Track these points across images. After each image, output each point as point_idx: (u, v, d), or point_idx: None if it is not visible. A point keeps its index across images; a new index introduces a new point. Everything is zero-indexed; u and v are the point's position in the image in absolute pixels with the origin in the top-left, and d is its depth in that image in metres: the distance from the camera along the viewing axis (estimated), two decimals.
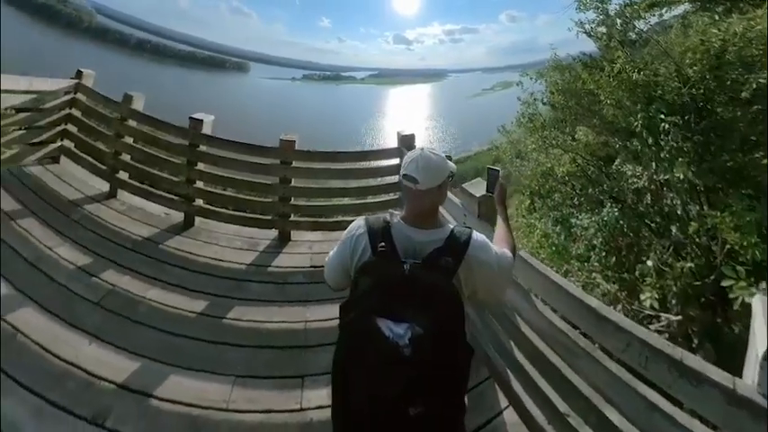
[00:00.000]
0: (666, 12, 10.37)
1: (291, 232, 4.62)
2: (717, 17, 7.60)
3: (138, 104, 5.03)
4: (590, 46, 10.67)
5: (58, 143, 5.42)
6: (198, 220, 4.66)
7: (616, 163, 8.07)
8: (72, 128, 5.38)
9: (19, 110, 5.00)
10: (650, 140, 6.31)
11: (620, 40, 8.95)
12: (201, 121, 4.53)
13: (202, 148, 4.59)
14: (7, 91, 4.83)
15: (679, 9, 10.53)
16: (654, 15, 10.19)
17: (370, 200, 4.95)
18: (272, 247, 4.41)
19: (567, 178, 9.29)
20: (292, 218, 4.66)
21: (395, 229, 1.52)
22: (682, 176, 5.73)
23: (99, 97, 5.27)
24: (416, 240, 1.48)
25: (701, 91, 6.42)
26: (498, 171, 2.27)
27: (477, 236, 1.53)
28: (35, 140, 5.22)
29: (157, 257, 3.93)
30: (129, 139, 4.97)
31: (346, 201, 5.07)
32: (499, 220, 2.04)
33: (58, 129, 5.36)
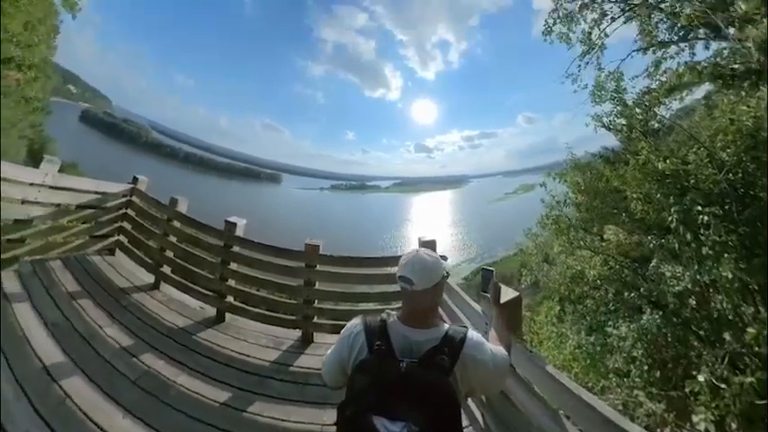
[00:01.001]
0: (687, 95, 10.12)
1: (314, 334, 4.68)
2: (744, 93, 7.23)
3: (183, 207, 5.43)
4: (610, 140, 10.41)
5: (115, 237, 5.89)
6: (228, 315, 4.83)
7: (653, 264, 7.19)
8: (126, 225, 5.88)
9: (86, 207, 5.49)
10: (689, 236, 5.64)
11: (641, 131, 8.54)
12: (235, 224, 4.79)
13: (235, 248, 4.81)
14: (78, 190, 5.42)
15: (700, 91, 10.25)
16: (675, 100, 9.94)
17: (393, 305, 4.85)
18: (295, 347, 4.48)
19: (599, 282, 8.49)
20: (316, 320, 4.71)
21: (391, 329, 1.53)
22: (730, 275, 4.94)
23: (150, 200, 5.79)
24: (413, 340, 1.49)
25: (740, 175, 5.81)
26: (492, 271, 2.28)
27: (473, 334, 1.54)
28: (97, 234, 5.70)
29: (190, 347, 4.10)
30: (173, 238, 5.34)
31: (369, 306, 5.02)
32: (494, 319, 2.05)
33: (116, 225, 5.87)
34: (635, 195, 6.87)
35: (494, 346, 1.62)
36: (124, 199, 5.87)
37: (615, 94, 9.03)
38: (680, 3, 9.88)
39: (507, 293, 2.18)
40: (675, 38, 10.35)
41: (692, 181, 6.08)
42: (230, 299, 4.84)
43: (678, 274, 6.22)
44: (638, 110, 8.94)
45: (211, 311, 4.87)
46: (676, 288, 6.19)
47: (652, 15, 10.41)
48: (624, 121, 9.06)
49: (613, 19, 10.16)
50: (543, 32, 10.77)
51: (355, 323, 1.63)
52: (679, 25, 10.12)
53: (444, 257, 1.76)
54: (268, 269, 4.76)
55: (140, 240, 5.72)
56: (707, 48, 10.05)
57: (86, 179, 5.80)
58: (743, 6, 8.64)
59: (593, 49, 10.25)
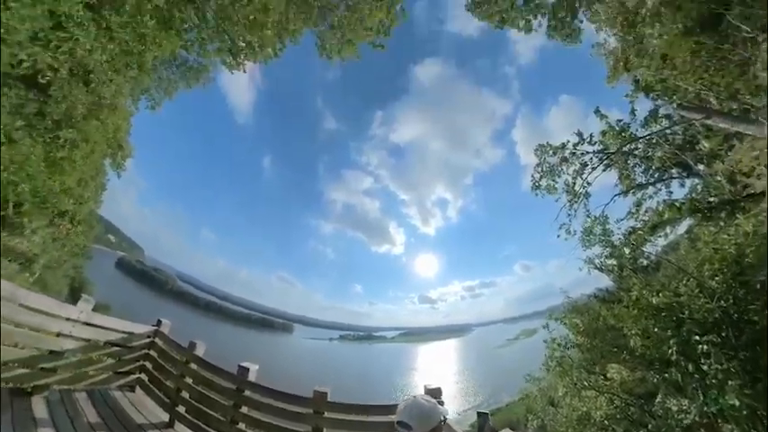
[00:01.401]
0: (671, 231, 10.22)
1: None
2: (722, 223, 7.52)
3: (200, 351, 5.55)
4: (604, 280, 10.41)
5: (137, 375, 5.90)
6: None
7: (658, 399, 7.13)
8: (148, 364, 5.94)
9: (113, 344, 5.58)
10: (690, 367, 5.63)
11: (631, 268, 8.63)
12: (248, 369, 4.87)
13: (247, 393, 4.83)
14: (107, 328, 5.54)
15: (683, 227, 10.42)
16: (660, 237, 10.00)
17: None
18: None
19: (606, 422, 8.19)
20: None
21: None
22: (737, 403, 4.85)
23: (171, 342, 5.91)
24: None
25: (731, 302, 5.83)
26: (487, 415, 2.25)
27: None
28: (120, 370, 5.71)
29: None
30: (189, 380, 5.37)
31: None
32: None
33: (138, 363, 5.92)
34: (633, 332, 6.87)
35: None
36: (148, 340, 6.01)
37: (603, 237, 9.33)
38: (651, 148, 10.50)
39: None
40: (652, 179, 10.77)
41: (687, 312, 6.17)
42: None
43: (685, 407, 6.12)
44: (626, 249, 9.23)
45: None
46: (685, 422, 6.04)
47: (628, 161, 10.85)
48: (614, 261, 9.28)
49: (593, 168, 10.44)
50: (532, 187, 11.15)
51: None
52: (653, 168, 10.63)
53: (441, 402, 1.74)
54: (277, 414, 4.72)
55: (159, 380, 5.76)
56: (682, 185, 10.51)
57: (115, 319, 5.95)
58: (707, 144, 9.37)
59: (578, 197, 10.41)
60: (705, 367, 5.35)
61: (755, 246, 5.97)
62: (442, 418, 1.63)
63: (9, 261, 6.23)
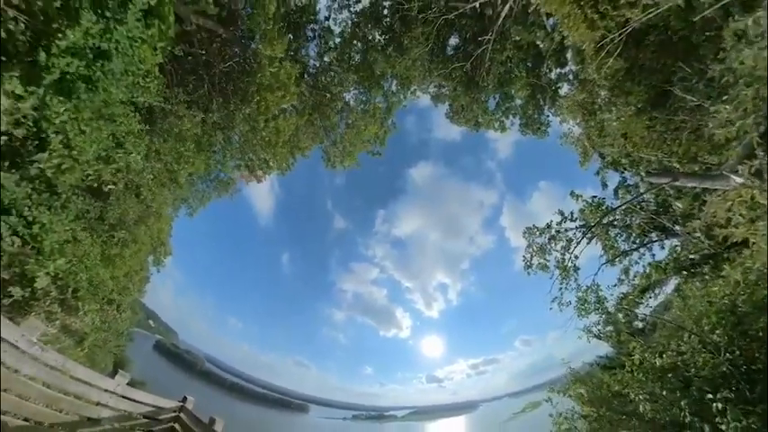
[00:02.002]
0: (659, 293, 9.65)
1: None
2: (707, 277, 7.12)
3: (219, 427, 5.30)
4: (603, 348, 9.59)
5: None
6: None
7: None
8: None
9: (144, 416, 5.52)
10: (707, 429, 4.82)
11: (629, 332, 7.99)
12: None
13: None
14: (139, 402, 5.50)
15: (670, 286, 9.80)
16: (650, 298, 9.44)
17: None
18: None
19: None
20: None
21: None
22: None
23: (193, 417, 5.77)
24: None
25: (737, 352, 5.19)
26: None
27: None
28: None
29: None
30: None
31: None
32: None
33: None
34: (641, 397, 6.05)
35: None
36: (174, 414, 5.90)
37: (597, 305, 8.84)
38: (629, 216, 10.30)
39: None
40: (634, 245, 10.52)
41: (693, 370, 5.55)
42: None
43: None
44: (619, 315, 8.66)
45: None
46: None
47: (609, 232, 10.65)
48: (611, 328, 8.67)
49: (578, 243, 10.07)
50: (525, 267, 10.79)
51: None
52: (634, 234, 10.43)
53: None
54: None
55: None
56: (662, 247, 10.27)
57: (147, 393, 5.93)
58: (679, 205, 9.09)
59: (569, 271, 9.98)
60: (723, 427, 4.59)
61: (747, 293, 5.52)
62: None
63: (65, 337, 6.50)
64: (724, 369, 5.08)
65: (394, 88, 10.37)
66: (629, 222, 10.47)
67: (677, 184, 8.18)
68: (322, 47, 9.47)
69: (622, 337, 8.03)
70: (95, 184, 6.27)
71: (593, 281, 9.99)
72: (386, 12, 9.50)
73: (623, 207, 10.17)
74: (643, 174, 9.01)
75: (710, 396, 4.80)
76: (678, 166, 8.32)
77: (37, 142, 4.87)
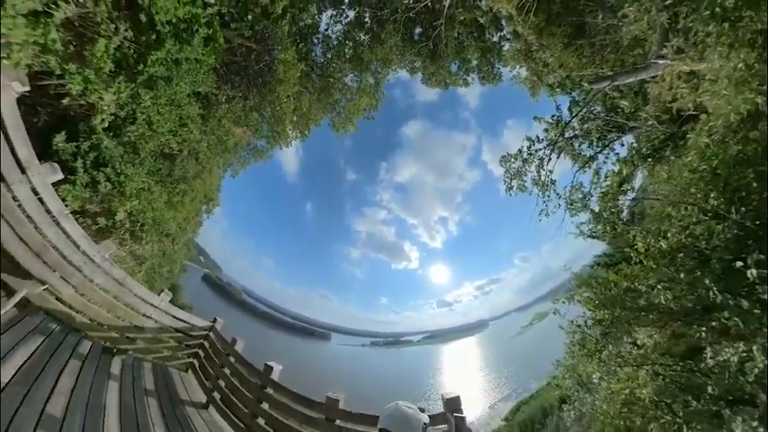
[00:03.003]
0: (633, 183, 8.75)
1: None
2: (672, 157, 6.37)
3: (239, 347, 5.12)
4: (599, 248, 8.77)
5: (190, 360, 5.72)
6: None
7: (709, 354, 4.48)
8: (200, 353, 5.68)
9: (179, 331, 5.55)
10: (746, 303, 3.50)
11: (624, 222, 7.06)
12: (272, 368, 4.23)
13: (269, 390, 4.13)
14: (178, 318, 5.53)
15: (639, 180, 9.09)
16: (628, 191, 8.47)
17: None
18: None
19: (656, 399, 5.23)
20: None
21: None
22: None
23: (220, 337, 5.64)
24: None
25: (743, 209, 3.90)
26: (464, 418, 1.80)
27: None
28: (177, 354, 5.62)
29: None
30: (227, 370, 4.96)
31: None
32: None
33: (193, 350, 5.72)
34: (660, 286, 4.73)
35: None
36: (204, 332, 5.79)
37: (584, 202, 8.07)
38: (586, 124, 9.97)
39: None
40: (597, 149, 10.05)
41: (703, 242, 4.26)
42: None
43: (746, 353, 3.76)
44: (607, 208, 7.56)
45: None
46: (755, 371, 3.69)
47: (573, 144, 10.27)
48: (602, 225, 7.50)
49: (549, 159, 9.82)
50: (506, 190, 10.39)
51: None
52: (595, 139, 9.97)
53: (422, 410, 1.44)
54: (292, 416, 3.86)
55: (206, 367, 5.43)
56: (622, 144, 9.83)
57: (184, 312, 5.85)
58: (625, 102, 8.74)
59: (546, 186, 9.58)
60: (765, 296, 3.35)
61: (722, 151, 4.27)
62: (424, 425, 1.36)
63: (130, 260, 6.99)
64: (736, 231, 3.86)
65: (379, 69, 12.11)
66: (588, 129, 9.98)
67: (617, 83, 7.70)
68: (324, 48, 11.46)
69: (618, 229, 6.80)
70: (166, 150, 6.78)
71: (572, 184, 9.35)
72: (366, 18, 11.46)
73: (578, 117, 9.88)
74: (585, 84, 8.72)
75: (740, 263, 3.44)
76: (612, 73, 8.10)
77: (130, 120, 5.86)
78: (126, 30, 4.77)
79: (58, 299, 4.18)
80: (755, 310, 3.42)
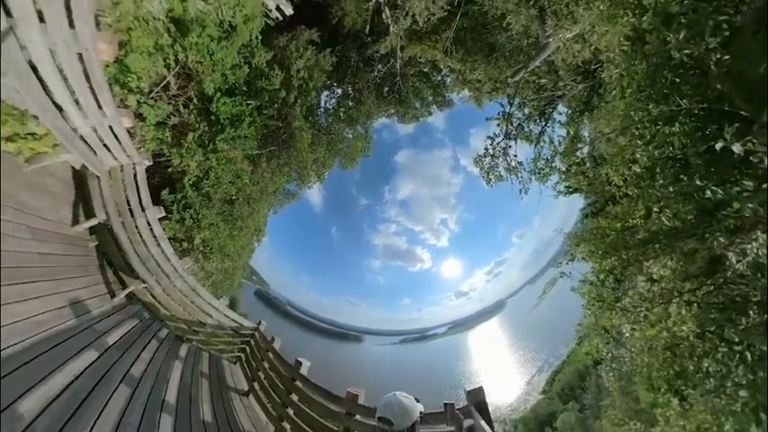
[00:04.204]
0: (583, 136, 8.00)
1: None
2: (602, 90, 5.56)
3: (277, 345, 4.95)
4: (582, 202, 7.96)
5: (239, 354, 5.60)
6: None
7: (733, 259, 3.35)
8: (247, 348, 5.49)
9: (232, 329, 5.62)
10: (750, 183, 2.57)
11: (594, 156, 6.29)
12: (301, 363, 3.97)
13: (298, 383, 3.78)
14: (231, 319, 5.59)
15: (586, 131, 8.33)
16: (583, 146, 7.62)
17: None
18: None
19: (699, 331, 3.90)
20: None
21: None
22: None
23: (262, 336, 5.45)
24: None
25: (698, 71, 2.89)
26: (453, 404, 1.60)
27: None
28: (229, 348, 5.60)
29: None
30: (266, 364, 4.71)
31: None
32: None
33: (241, 346, 5.61)
34: (656, 209, 3.69)
35: None
36: (250, 332, 5.68)
37: (549, 165, 7.38)
38: (524, 108, 9.82)
39: None
40: (543, 123, 9.76)
41: (670, 147, 3.21)
42: (286, 426, 3.57)
43: None
44: (572, 159, 6.67)
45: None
46: None
47: (523, 127, 10.00)
48: (573, 179, 6.65)
49: (510, 146, 9.61)
50: (487, 183, 10.00)
51: None
52: (536, 117, 9.74)
53: (417, 399, 1.27)
54: (317, 408, 3.46)
55: (250, 360, 5.23)
56: (560, 113, 9.55)
57: (235, 314, 5.95)
58: (544, 80, 8.51)
59: (516, 169, 9.35)
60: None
61: (635, 67, 3.29)
62: (420, 413, 1.21)
63: (201, 273, 7.45)
64: (694, 122, 2.92)
65: (365, 121, 13.16)
66: (528, 113, 9.80)
67: (530, 68, 7.59)
68: (325, 115, 12.63)
69: (589, 174, 5.81)
70: (228, 198, 7.52)
71: (535, 153, 9.07)
72: (349, 90, 12.59)
73: (516, 106, 9.71)
74: (509, 80, 8.67)
75: (721, 143, 2.43)
76: (522, 64, 7.97)
77: (205, 177, 6.69)
78: (204, 125, 6.01)
79: (151, 295, 4.62)
80: (750, 187, 2.53)
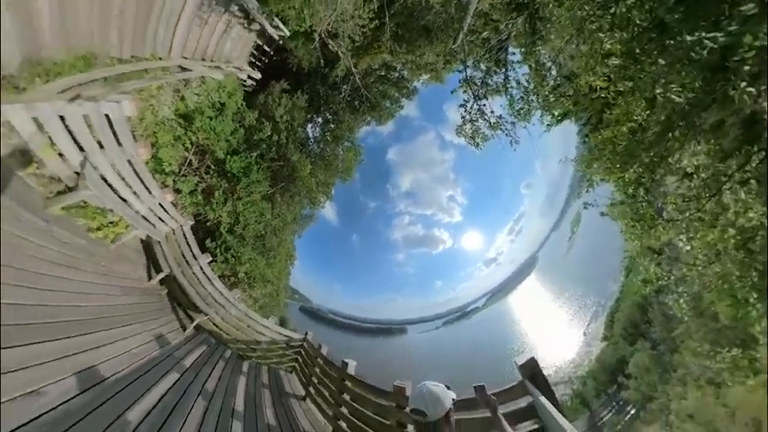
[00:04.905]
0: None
1: None
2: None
3: (324, 351, 4.86)
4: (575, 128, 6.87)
5: (293, 364, 5.67)
6: None
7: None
8: (300, 358, 5.44)
9: (283, 343, 5.80)
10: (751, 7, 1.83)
11: (564, 82, 5.49)
12: (348, 363, 3.78)
13: (347, 383, 3.61)
14: (282, 334, 5.88)
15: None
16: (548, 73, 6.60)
17: None
18: None
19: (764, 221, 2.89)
20: None
21: None
22: None
23: (311, 345, 5.42)
24: None
25: None
26: (483, 386, 1.46)
27: None
28: (283, 359, 5.74)
29: None
30: (317, 369, 4.58)
31: None
32: (501, 423, 1.21)
33: (294, 356, 5.69)
34: (659, 90, 2.73)
35: None
36: (300, 343, 5.70)
37: (526, 102, 6.44)
38: (479, 66, 9.01)
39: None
40: (503, 77, 8.93)
41: (638, 15, 2.54)
42: (342, 424, 3.42)
43: None
44: (545, 86, 5.59)
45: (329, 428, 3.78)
46: None
47: (486, 81, 9.17)
48: (556, 102, 5.57)
49: (484, 106, 8.66)
50: (476, 147, 8.93)
51: None
52: (494, 71, 8.97)
53: (448, 387, 1.13)
54: (367, 404, 3.23)
55: (303, 368, 5.20)
56: (514, 53, 8.72)
57: (285, 329, 6.31)
58: (487, 33, 7.85)
59: (498, 125, 8.42)
60: None
61: None
62: (453, 400, 1.08)
63: (250, 300, 7.80)
64: None
65: (349, 135, 13.22)
66: (486, 68, 9.00)
67: (466, 28, 6.53)
68: (315, 143, 12.86)
69: (569, 90, 5.01)
70: (259, 234, 8.04)
71: (508, 99, 7.99)
72: (328, 114, 12.86)
73: (471, 68, 8.80)
74: (453, 47, 7.87)
75: None
76: (458, 27, 7.02)
77: (236, 223, 7.22)
78: (224, 182, 6.80)
79: (213, 324, 4.98)
80: (753, 9, 1.88)
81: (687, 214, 3.36)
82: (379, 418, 3.01)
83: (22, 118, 2.44)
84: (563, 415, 1.28)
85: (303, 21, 5.78)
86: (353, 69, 9.52)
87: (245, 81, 8.03)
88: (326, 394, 3.95)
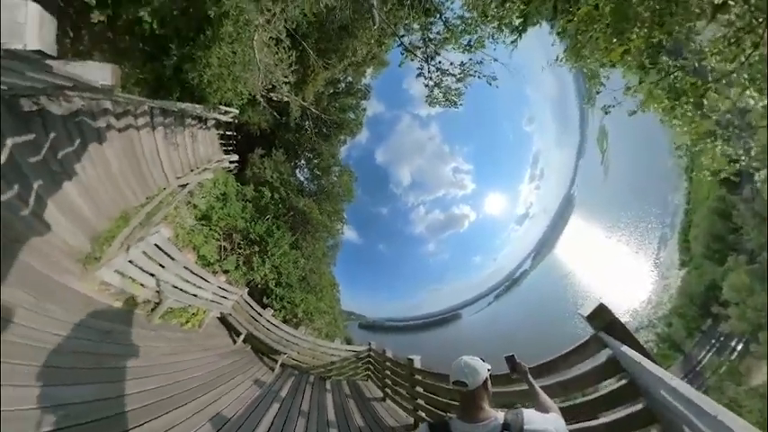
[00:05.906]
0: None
1: None
2: None
3: (389, 353, 4.87)
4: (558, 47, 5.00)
5: (366, 372, 5.78)
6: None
7: None
8: (371, 366, 5.56)
9: (355, 357, 5.86)
10: None
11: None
12: (412, 359, 3.61)
13: (416, 376, 3.48)
14: (351, 350, 5.98)
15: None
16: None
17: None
18: None
19: None
20: None
21: (453, 426, 0.99)
22: None
23: (377, 351, 5.42)
24: None
25: None
26: (513, 355, 1.29)
27: (529, 413, 0.94)
28: (357, 371, 5.87)
29: None
30: (389, 372, 4.46)
31: None
32: (535, 389, 1.15)
33: (366, 365, 5.78)
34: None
35: (550, 415, 0.98)
36: (366, 352, 5.85)
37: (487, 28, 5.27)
38: (417, 25, 7.53)
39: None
40: (445, 22, 7.09)
41: None
42: (422, 413, 3.28)
43: None
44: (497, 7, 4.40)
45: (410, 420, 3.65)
46: None
47: (434, 42, 7.37)
48: (516, 13, 4.36)
49: (438, 63, 7.31)
50: (458, 107, 7.42)
51: (422, 426, 1.08)
52: (437, 33, 7.28)
53: (483, 359, 1.11)
54: (438, 391, 3.07)
55: (376, 373, 5.16)
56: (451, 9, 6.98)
57: (350, 346, 6.41)
58: None
59: (467, 74, 6.99)
60: None
61: None
62: (488, 371, 1.07)
63: (314, 332, 7.86)
64: None
65: (332, 159, 12.64)
66: (419, 26, 7.43)
67: (376, 5, 6.04)
68: (310, 181, 12.72)
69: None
70: (300, 276, 8.38)
71: (454, 35, 6.52)
72: (306, 153, 12.35)
73: (403, 33, 7.67)
74: (375, 28, 7.13)
75: None
76: None
77: (279, 277, 7.55)
78: (255, 248, 7.13)
79: (293, 359, 5.43)
80: None
81: (744, 57, 2.05)
82: (454, 402, 2.74)
83: (110, 275, 3.05)
84: (653, 361, 1.04)
85: (241, 94, 5.66)
86: (304, 104, 9.21)
87: (229, 167, 8.13)
88: (402, 391, 3.88)
